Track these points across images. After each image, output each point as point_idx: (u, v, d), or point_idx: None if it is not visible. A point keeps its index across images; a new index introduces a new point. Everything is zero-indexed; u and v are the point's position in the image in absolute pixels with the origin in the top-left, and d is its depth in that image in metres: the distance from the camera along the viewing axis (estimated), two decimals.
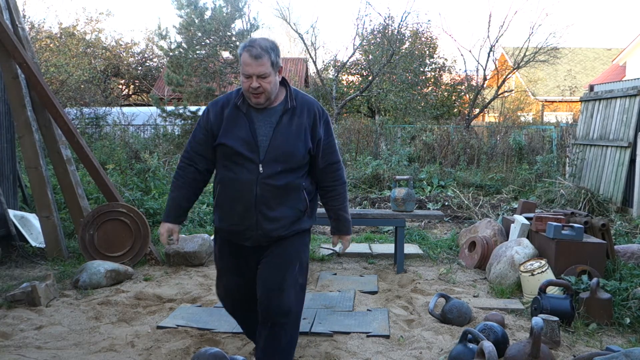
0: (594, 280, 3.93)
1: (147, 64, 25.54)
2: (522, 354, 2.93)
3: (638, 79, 11.04)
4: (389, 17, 18.59)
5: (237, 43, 14.36)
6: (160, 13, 52.52)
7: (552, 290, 4.01)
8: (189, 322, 3.80)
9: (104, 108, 15.39)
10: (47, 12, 39.93)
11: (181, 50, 14.33)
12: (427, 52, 21.33)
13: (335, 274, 5.24)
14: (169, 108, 13.87)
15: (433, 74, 21.76)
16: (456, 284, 4.94)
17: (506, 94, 20.19)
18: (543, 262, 4.38)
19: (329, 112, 16.29)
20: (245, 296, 2.89)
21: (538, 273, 4.27)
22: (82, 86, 18.29)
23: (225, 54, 15.28)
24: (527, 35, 17.56)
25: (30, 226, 5.95)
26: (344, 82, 21.96)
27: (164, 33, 14.31)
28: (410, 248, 6.17)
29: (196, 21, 14.26)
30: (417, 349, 3.39)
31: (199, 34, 14.40)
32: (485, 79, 18.28)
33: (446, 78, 22.52)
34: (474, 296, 4.53)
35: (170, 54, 14.39)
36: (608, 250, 4.64)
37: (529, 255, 4.71)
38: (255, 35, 14.65)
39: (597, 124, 9.45)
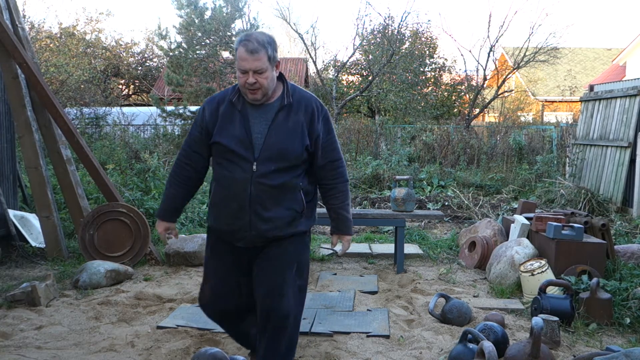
0: (594, 280, 3.93)
1: (147, 64, 25.54)
2: (522, 354, 2.93)
3: (638, 79, 11.05)
4: (389, 17, 18.63)
5: None
6: (160, 13, 52.58)
7: (552, 290, 4.01)
8: (189, 322, 3.80)
9: (104, 108, 15.39)
10: (47, 12, 40.03)
11: (181, 50, 14.33)
12: (427, 52, 21.34)
13: (335, 274, 5.24)
14: (169, 108, 13.87)
15: (433, 74, 21.78)
16: (456, 284, 4.94)
17: (506, 94, 20.20)
18: (543, 262, 4.38)
19: (329, 112, 16.27)
20: (232, 302, 2.77)
21: (538, 273, 4.27)
22: (82, 86, 18.30)
23: (225, 54, 15.26)
24: (527, 35, 17.61)
25: (30, 226, 5.95)
26: (344, 82, 21.98)
27: (164, 33, 14.31)
28: (410, 248, 6.17)
29: (196, 21, 14.25)
30: (417, 349, 3.38)
31: (199, 34, 14.39)
32: (485, 79, 18.29)
33: (446, 78, 22.55)
34: (474, 296, 4.53)
35: (170, 54, 14.38)
36: (608, 250, 4.64)
37: (529, 255, 4.71)
38: None
39: (597, 124, 9.45)
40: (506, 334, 3.33)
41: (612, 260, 4.65)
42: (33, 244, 5.70)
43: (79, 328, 3.74)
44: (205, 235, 5.58)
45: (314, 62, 18.22)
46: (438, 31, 29.60)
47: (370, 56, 19.45)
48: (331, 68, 21.25)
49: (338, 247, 5.61)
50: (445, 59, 22.36)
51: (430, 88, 20.87)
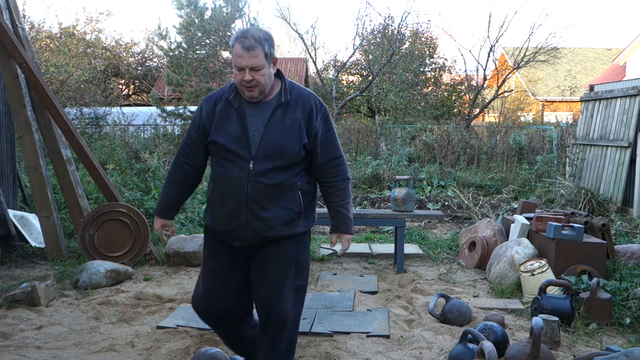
0: (594, 280, 3.93)
1: (147, 64, 25.54)
2: (522, 354, 2.93)
3: (638, 79, 11.05)
4: (389, 17, 18.63)
5: None
6: (160, 13, 52.58)
7: (552, 290, 4.01)
8: (189, 322, 3.80)
9: (104, 108, 15.38)
10: (47, 12, 40.08)
11: (181, 50, 14.34)
12: (427, 52, 21.35)
13: (335, 274, 5.24)
14: (169, 108, 13.88)
15: (433, 74, 21.79)
16: (456, 284, 4.94)
17: (506, 94, 20.20)
18: (543, 262, 4.38)
19: (329, 111, 16.28)
20: (230, 303, 2.70)
21: (538, 273, 4.27)
22: (82, 86, 18.30)
23: (225, 54, 15.27)
24: (527, 35, 17.61)
25: (30, 226, 5.95)
26: (344, 82, 21.99)
27: (164, 33, 14.33)
28: (410, 248, 6.17)
29: (196, 21, 14.26)
30: (417, 349, 3.38)
31: (199, 34, 14.40)
32: (485, 79, 18.29)
33: (446, 78, 22.56)
34: (474, 296, 4.53)
35: (170, 54, 14.39)
36: (608, 250, 4.64)
37: (529, 255, 4.71)
38: None
39: (597, 124, 9.45)
40: (506, 334, 3.33)
41: (612, 260, 4.65)
42: (33, 244, 5.70)
43: (79, 328, 3.74)
44: None
45: (314, 62, 18.23)
46: (438, 31, 29.67)
47: (370, 56, 19.45)
48: (331, 68, 21.27)
49: (338, 247, 5.59)
50: (445, 59, 22.39)
51: (430, 88, 20.88)
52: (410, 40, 20.19)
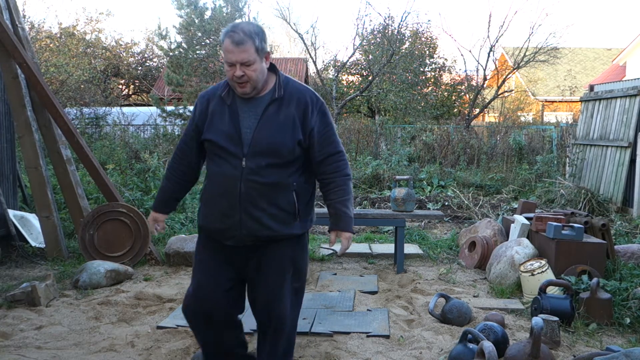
0: (594, 280, 3.93)
1: (147, 64, 25.55)
2: (522, 354, 2.93)
3: (638, 79, 11.05)
4: (389, 17, 18.64)
5: None
6: (160, 13, 52.61)
7: (552, 290, 4.01)
8: None
9: (104, 108, 15.39)
10: (47, 12, 40.08)
11: (181, 50, 14.35)
12: (427, 52, 21.36)
13: (335, 274, 5.24)
14: (169, 108, 13.89)
15: (433, 74, 21.80)
16: (456, 284, 4.94)
17: (506, 94, 20.20)
18: (543, 262, 4.38)
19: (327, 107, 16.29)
20: (222, 304, 2.58)
21: (538, 273, 4.27)
22: (82, 86, 18.30)
23: None
24: (527, 35, 17.62)
25: (30, 226, 5.95)
26: (344, 82, 21.99)
27: (164, 33, 14.34)
28: (410, 248, 6.17)
29: (196, 21, 14.27)
30: (417, 349, 3.38)
31: (199, 34, 14.41)
32: (485, 79, 18.29)
33: (446, 78, 22.57)
34: (474, 296, 4.53)
35: (170, 54, 14.41)
36: (608, 250, 4.64)
37: (529, 255, 4.71)
38: None
39: (597, 124, 9.45)
40: (506, 334, 3.33)
41: (612, 260, 4.65)
42: (33, 244, 5.70)
43: (79, 328, 3.74)
44: None
45: (314, 62, 18.23)
46: (438, 31, 29.69)
47: (370, 56, 19.46)
48: (331, 68, 21.27)
49: (337, 247, 5.59)
50: (445, 59, 22.40)
51: (430, 88, 20.89)
52: (410, 40, 20.20)
